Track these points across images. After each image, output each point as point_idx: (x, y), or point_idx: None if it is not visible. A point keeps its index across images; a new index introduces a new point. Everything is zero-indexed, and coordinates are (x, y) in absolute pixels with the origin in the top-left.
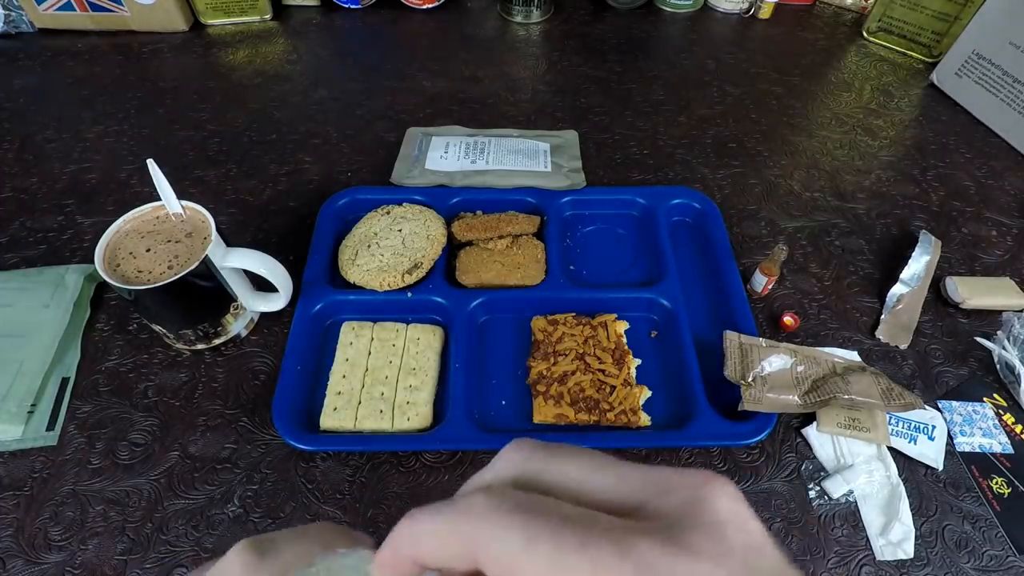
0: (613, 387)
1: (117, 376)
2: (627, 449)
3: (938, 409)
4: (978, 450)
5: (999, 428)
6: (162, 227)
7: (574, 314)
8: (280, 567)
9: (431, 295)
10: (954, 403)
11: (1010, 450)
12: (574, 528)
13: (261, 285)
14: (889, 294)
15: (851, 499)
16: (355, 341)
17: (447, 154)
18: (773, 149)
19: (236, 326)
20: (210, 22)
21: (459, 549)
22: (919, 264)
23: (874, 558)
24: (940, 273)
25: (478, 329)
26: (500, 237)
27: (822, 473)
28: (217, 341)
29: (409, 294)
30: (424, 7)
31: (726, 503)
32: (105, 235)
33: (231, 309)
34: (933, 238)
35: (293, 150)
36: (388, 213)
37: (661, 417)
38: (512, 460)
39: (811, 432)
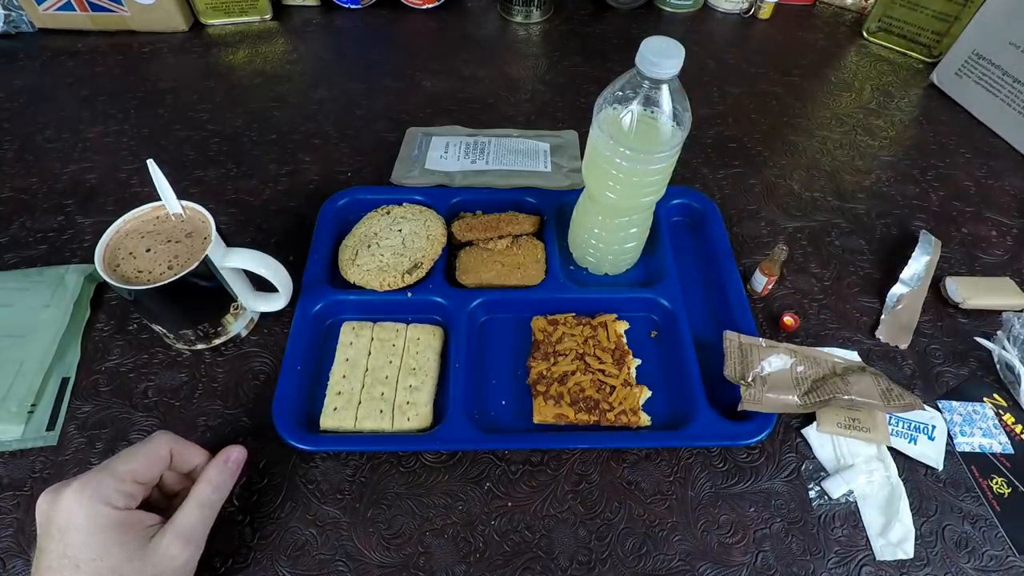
0: (613, 387)
1: (117, 376)
2: (627, 449)
3: (938, 409)
4: (978, 450)
5: (999, 428)
6: (162, 227)
7: (574, 314)
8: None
9: (431, 295)
10: (954, 403)
11: (1010, 450)
12: None
13: (261, 285)
14: (889, 294)
15: (851, 499)
16: (355, 341)
17: (447, 154)
18: (773, 149)
19: (236, 326)
20: (210, 22)
21: None
22: (919, 264)
23: (874, 558)
24: (940, 273)
25: (478, 329)
26: (500, 237)
27: (822, 473)
28: (217, 341)
29: (409, 294)
30: (424, 7)
31: None
32: (105, 235)
33: (231, 309)
34: (933, 238)
35: (293, 150)
36: (388, 213)
37: (661, 417)
38: None
39: (811, 432)
